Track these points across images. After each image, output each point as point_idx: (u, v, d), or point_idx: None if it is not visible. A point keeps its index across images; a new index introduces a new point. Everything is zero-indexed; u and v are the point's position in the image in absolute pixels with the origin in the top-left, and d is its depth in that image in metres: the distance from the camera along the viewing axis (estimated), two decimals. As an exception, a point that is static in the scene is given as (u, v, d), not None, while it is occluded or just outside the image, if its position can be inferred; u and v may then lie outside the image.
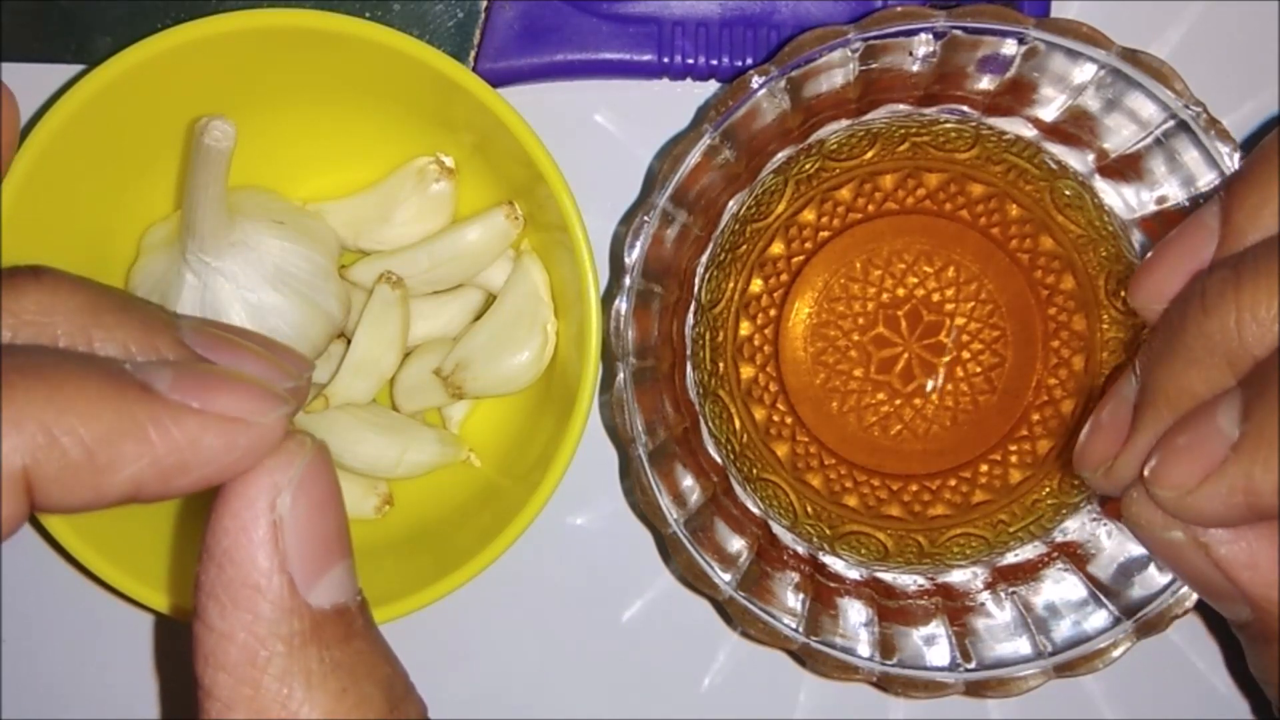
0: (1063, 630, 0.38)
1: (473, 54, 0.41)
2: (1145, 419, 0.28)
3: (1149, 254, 0.31)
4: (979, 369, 0.39)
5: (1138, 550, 0.38)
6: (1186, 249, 0.29)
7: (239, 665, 0.21)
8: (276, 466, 0.22)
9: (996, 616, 0.38)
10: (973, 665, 0.37)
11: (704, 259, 0.39)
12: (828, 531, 0.40)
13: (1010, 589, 0.39)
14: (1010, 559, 0.39)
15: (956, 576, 0.40)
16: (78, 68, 0.42)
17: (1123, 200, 0.39)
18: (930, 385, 0.39)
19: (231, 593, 0.21)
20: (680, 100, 0.43)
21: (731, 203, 0.39)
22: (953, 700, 0.37)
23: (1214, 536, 0.27)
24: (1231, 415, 0.26)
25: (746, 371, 0.39)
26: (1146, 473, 0.27)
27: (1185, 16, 0.43)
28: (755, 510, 0.40)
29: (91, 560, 0.37)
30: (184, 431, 0.21)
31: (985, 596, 0.39)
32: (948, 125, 0.39)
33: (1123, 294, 0.39)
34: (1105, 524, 0.39)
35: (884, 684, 0.37)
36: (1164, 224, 0.38)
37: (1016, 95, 0.38)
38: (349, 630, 0.22)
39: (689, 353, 0.40)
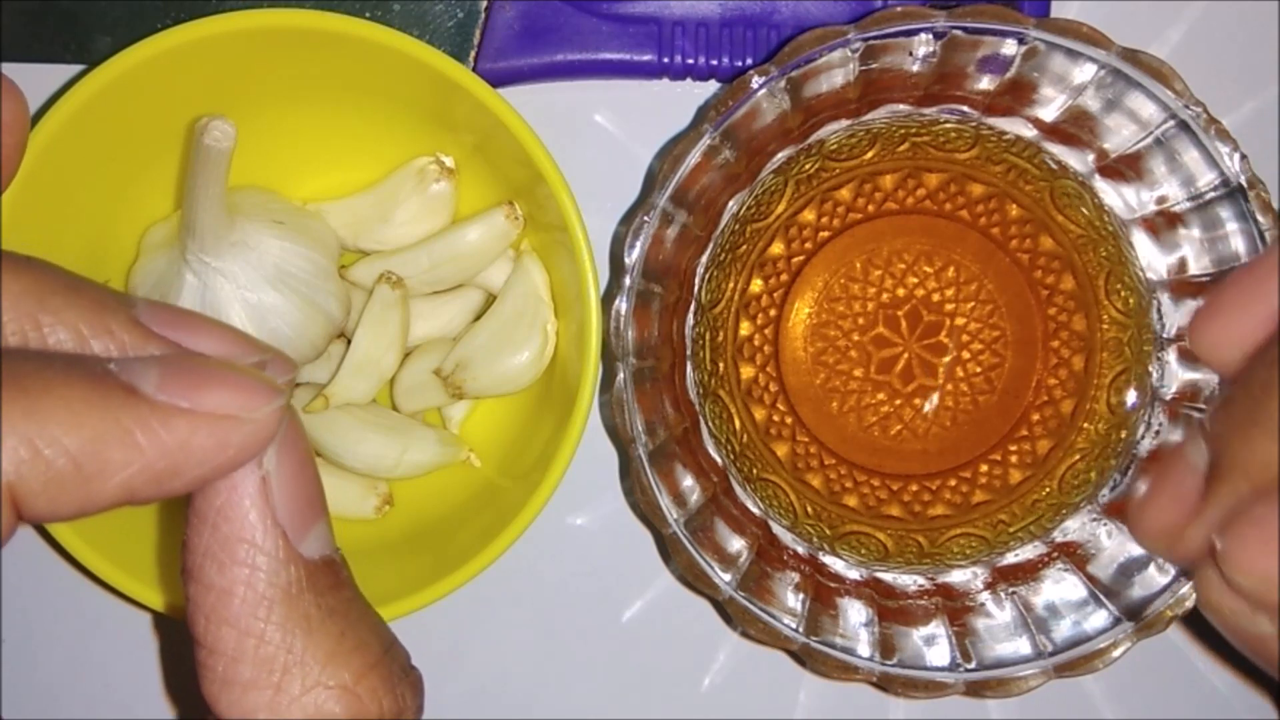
0: (1063, 630, 0.38)
1: (473, 54, 0.41)
2: (1221, 493, 0.25)
3: (1215, 290, 0.26)
4: (979, 369, 0.39)
5: (1138, 550, 0.38)
6: (1260, 285, 0.25)
7: (241, 618, 0.21)
8: None
9: (996, 616, 0.38)
10: (973, 665, 0.37)
11: (704, 259, 0.39)
12: (828, 531, 0.40)
13: (1010, 589, 0.39)
14: (1010, 559, 0.39)
15: (956, 576, 0.40)
16: (78, 68, 0.42)
17: (1123, 200, 0.39)
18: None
19: (229, 549, 0.21)
20: (680, 100, 0.43)
21: (731, 203, 0.39)
22: (953, 700, 0.37)
23: None
24: None
25: (746, 371, 0.39)
26: (1220, 547, 0.24)
27: (1185, 16, 0.43)
28: (755, 510, 0.40)
29: (91, 560, 0.37)
30: (173, 434, 0.20)
31: (985, 596, 0.39)
32: (948, 125, 0.39)
33: (1117, 305, 0.39)
34: (1105, 524, 0.39)
35: (884, 684, 0.37)
36: (1164, 224, 0.38)
37: (1016, 95, 0.38)
38: (338, 579, 0.23)
39: (689, 353, 0.40)
